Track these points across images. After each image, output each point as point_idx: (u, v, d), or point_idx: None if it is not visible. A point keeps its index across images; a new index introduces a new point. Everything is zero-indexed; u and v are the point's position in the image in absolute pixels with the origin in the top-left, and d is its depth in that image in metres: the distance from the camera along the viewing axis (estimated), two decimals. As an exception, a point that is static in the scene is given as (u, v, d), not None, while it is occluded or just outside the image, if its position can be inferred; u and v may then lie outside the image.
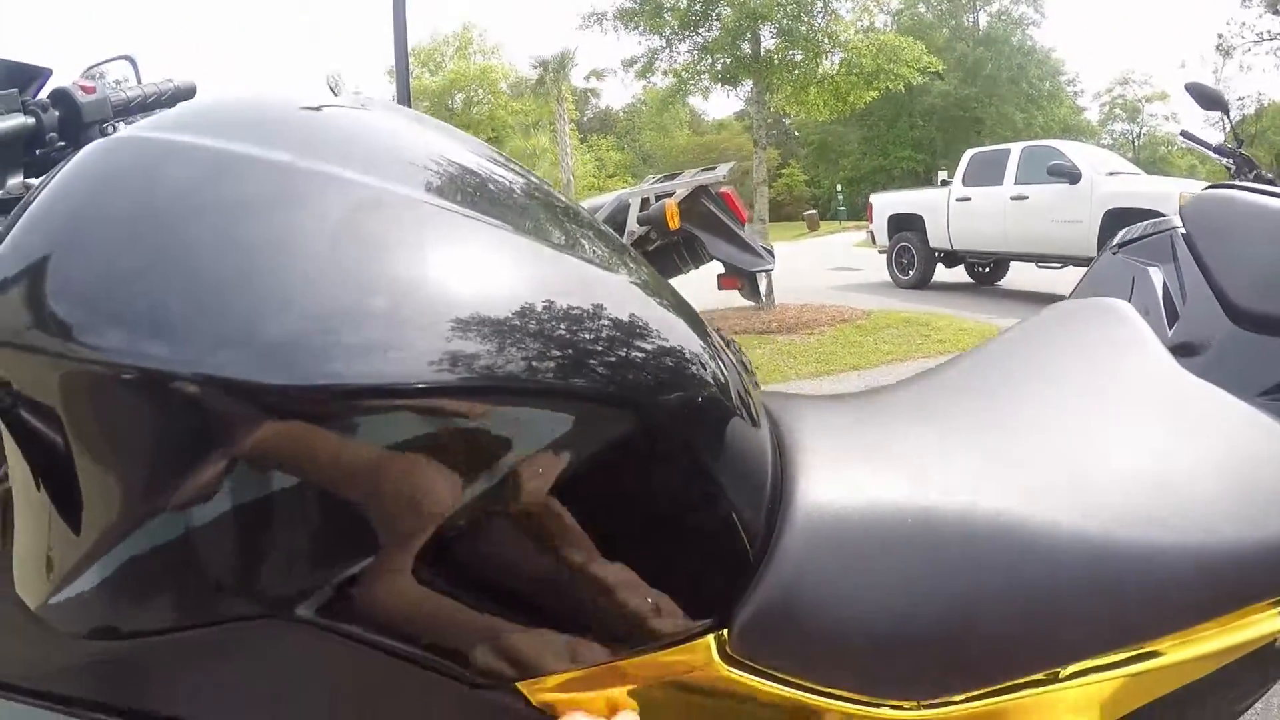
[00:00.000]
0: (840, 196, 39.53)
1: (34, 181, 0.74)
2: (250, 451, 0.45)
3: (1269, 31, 27.66)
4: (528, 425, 0.49)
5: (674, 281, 3.12)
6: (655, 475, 0.55)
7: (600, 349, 0.53)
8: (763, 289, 2.87)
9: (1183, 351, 0.89)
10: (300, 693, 0.54)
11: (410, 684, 0.52)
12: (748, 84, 10.03)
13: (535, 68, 29.07)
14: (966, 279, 12.19)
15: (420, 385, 0.46)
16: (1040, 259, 9.74)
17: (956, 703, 0.61)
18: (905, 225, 12.20)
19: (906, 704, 0.60)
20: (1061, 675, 0.62)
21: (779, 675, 0.58)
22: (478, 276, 0.53)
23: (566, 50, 27.70)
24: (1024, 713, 0.63)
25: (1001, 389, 0.87)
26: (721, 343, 0.68)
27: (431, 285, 0.50)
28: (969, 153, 12.04)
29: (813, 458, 0.69)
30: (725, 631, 0.57)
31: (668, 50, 10.47)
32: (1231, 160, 4.14)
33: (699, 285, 3.29)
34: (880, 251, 12.95)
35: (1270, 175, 4.27)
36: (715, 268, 3.14)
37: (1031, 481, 0.70)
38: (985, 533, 0.63)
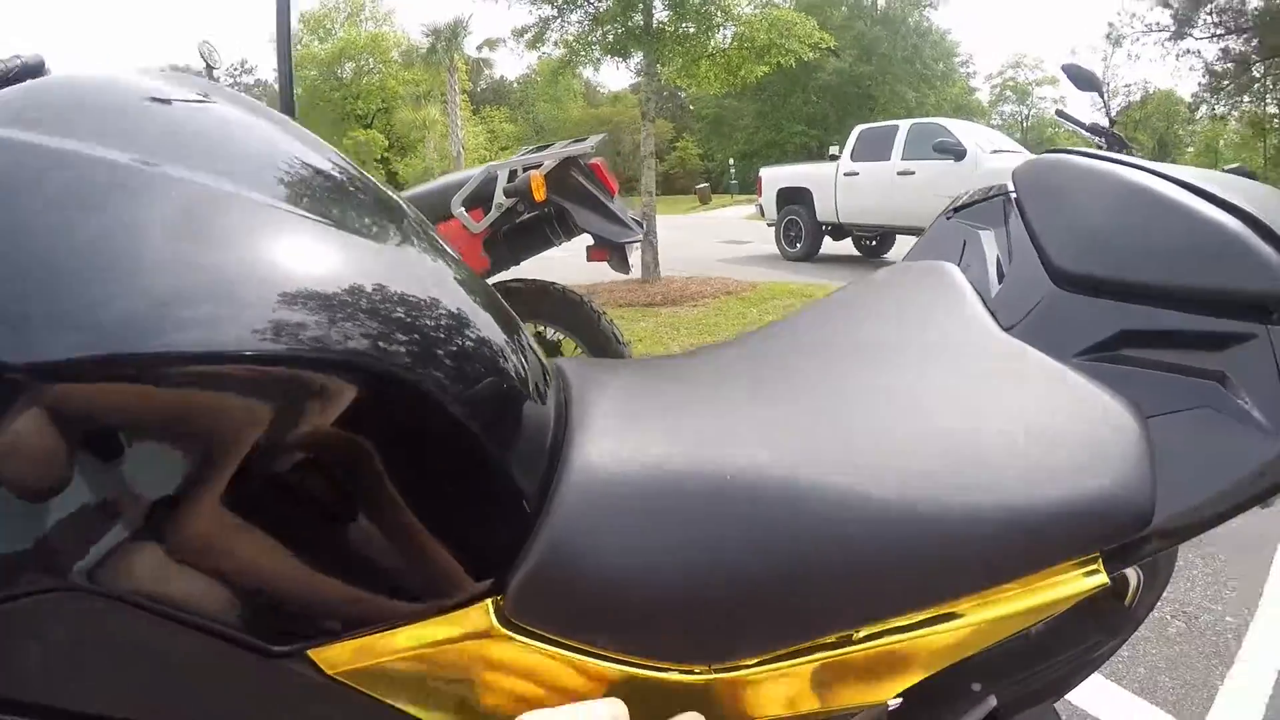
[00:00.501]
0: (733, 170, 40.16)
1: None
2: (29, 424, 0.45)
3: (1157, 23, 29.01)
4: (303, 396, 0.50)
5: (547, 254, 3.09)
6: (427, 444, 0.56)
7: (388, 330, 0.54)
8: (633, 261, 2.84)
9: (1007, 313, 0.89)
10: (112, 669, 0.53)
11: (210, 657, 0.52)
12: (639, 56, 9.96)
13: (427, 36, 28.54)
14: (854, 251, 12.48)
15: (193, 354, 0.47)
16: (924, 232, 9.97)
17: (748, 666, 0.61)
18: (794, 199, 12.43)
19: (696, 668, 0.60)
20: (855, 637, 0.62)
21: (557, 639, 0.58)
22: (283, 262, 0.54)
23: (460, 18, 27.28)
24: (819, 675, 0.62)
25: (815, 352, 0.88)
26: (520, 329, 0.71)
27: (239, 269, 0.52)
28: (858, 129, 12.33)
29: (598, 422, 0.69)
30: (502, 596, 0.57)
31: (559, 20, 10.34)
32: (1104, 138, 4.29)
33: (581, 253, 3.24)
34: (769, 225, 13.17)
35: (1142, 154, 4.44)
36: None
37: (826, 444, 0.69)
38: (771, 496, 0.63)
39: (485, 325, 0.64)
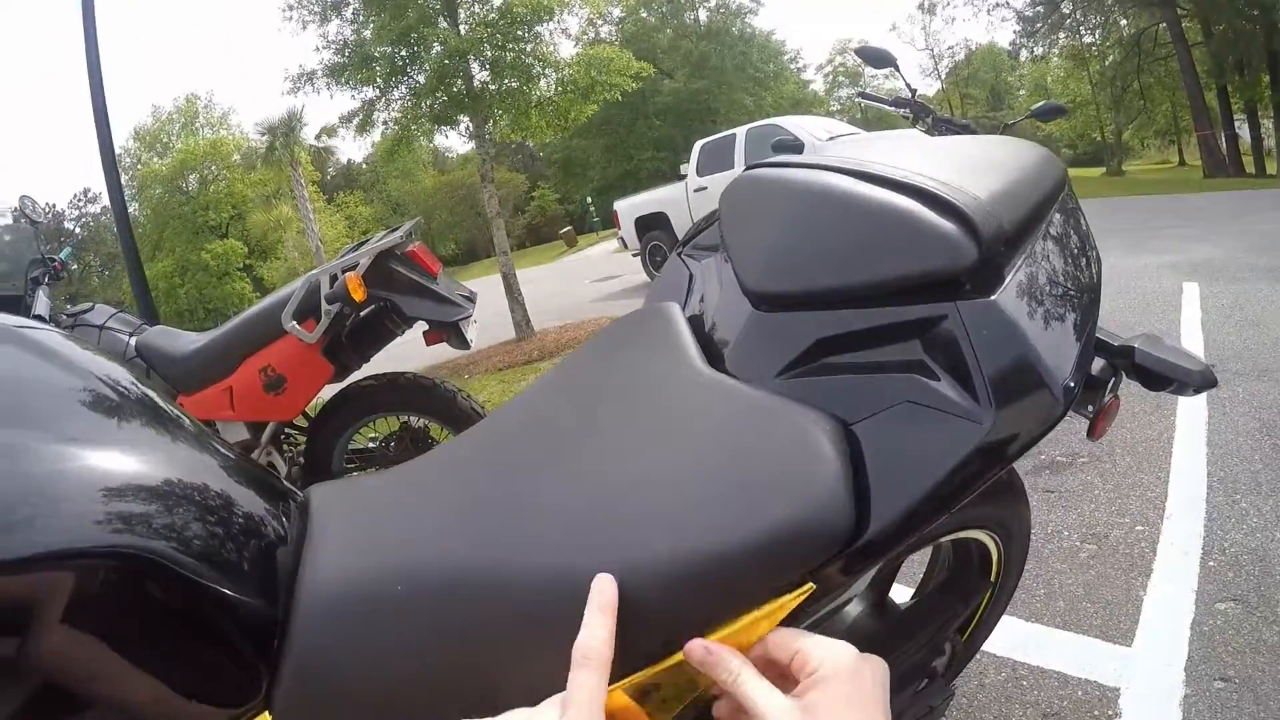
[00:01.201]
0: (592, 208, 40.49)
1: None
2: None
3: (965, -16, 30.23)
4: (62, 581, 0.56)
5: (393, 345, 3.09)
6: (180, 601, 0.62)
7: (151, 519, 0.62)
8: (471, 336, 2.83)
9: (721, 343, 0.89)
10: None
11: None
12: (467, 120, 9.96)
13: (263, 135, 28.03)
14: (722, 260, 12.60)
15: None
16: (780, 231, 10.17)
17: None
18: (652, 224, 12.57)
19: None
20: None
21: None
22: (62, 479, 0.61)
23: (293, 111, 26.81)
24: None
25: (538, 424, 0.89)
26: (267, 480, 0.80)
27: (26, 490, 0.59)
28: (698, 144, 12.55)
29: (328, 544, 0.74)
30: (269, 713, 0.64)
31: (383, 100, 10.28)
32: (908, 109, 4.44)
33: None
34: (634, 255, 13.27)
35: (947, 115, 4.59)
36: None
37: (524, 526, 0.72)
38: (474, 582, 0.68)
39: (232, 493, 0.72)
